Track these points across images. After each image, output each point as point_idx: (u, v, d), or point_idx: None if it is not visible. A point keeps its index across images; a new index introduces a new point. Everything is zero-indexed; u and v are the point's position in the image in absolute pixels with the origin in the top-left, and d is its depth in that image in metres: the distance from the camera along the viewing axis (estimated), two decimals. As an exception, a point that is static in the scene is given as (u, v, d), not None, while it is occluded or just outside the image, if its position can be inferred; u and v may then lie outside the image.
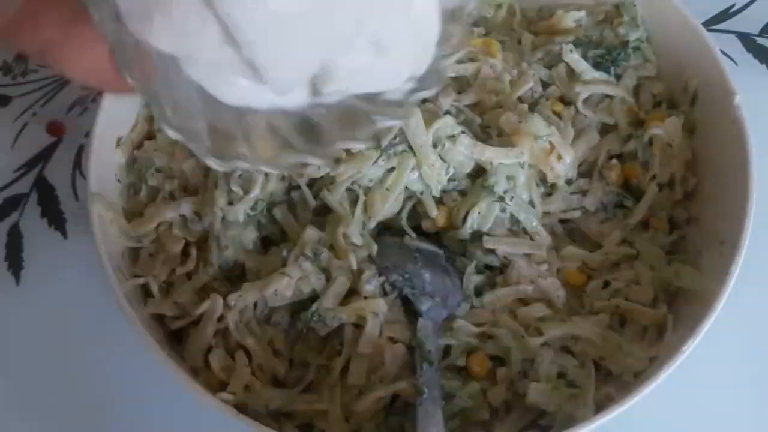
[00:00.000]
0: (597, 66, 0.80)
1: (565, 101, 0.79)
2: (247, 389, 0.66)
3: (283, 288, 0.68)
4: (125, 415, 0.76)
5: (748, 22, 0.97)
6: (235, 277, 0.72)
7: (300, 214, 0.74)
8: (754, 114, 0.72)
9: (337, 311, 0.68)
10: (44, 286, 0.83)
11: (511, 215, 0.72)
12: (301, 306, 0.70)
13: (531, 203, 0.73)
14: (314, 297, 0.69)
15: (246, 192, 0.71)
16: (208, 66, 0.38)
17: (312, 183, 0.73)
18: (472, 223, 0.72)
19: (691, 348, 0.62)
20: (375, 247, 0.70)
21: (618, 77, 0.80)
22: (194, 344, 0.69)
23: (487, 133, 0.75)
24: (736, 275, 0.65)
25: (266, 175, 0.73)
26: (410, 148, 0.70)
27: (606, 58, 0.80)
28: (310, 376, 0.69)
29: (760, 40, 0.95)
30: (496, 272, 0.73)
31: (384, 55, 0.38)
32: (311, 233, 0.70)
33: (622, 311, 0.70)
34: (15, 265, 0.84)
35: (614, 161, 0.76)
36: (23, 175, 0.90)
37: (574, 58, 0.78)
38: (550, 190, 0.76)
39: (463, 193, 0.74)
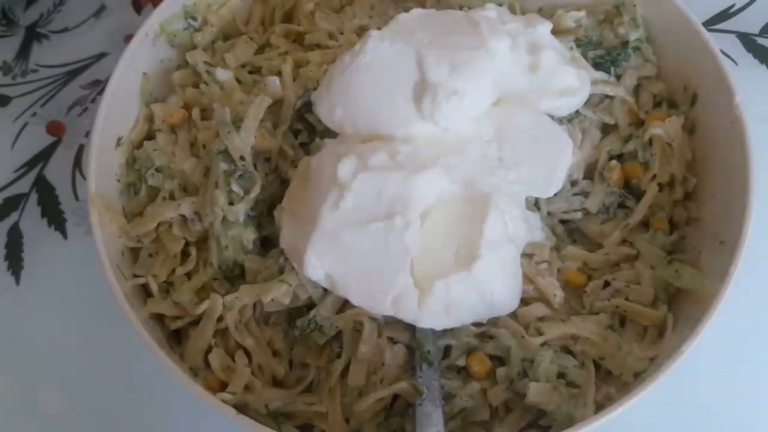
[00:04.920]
0: (597, 66, 0.80)
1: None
2: (247, 389, 0.66)
3: (280, 296, 0.68)
4: (125, 414, 0.76)
5: (748, 22, 0.97)
6: (234, 277, 0.72)
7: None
8: (754, 114, 0.72)
9: (334, 319, 0.68)
10: (44, 286, 0.83)
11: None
12: (297, 310, 0.70)
13: (536, 204, 0.74)
14: (311, 304, 0.69)
15: (246, 192, 0.71)
16: None
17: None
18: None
19: (691, 348, 0.62)
20: None
21: (618, 77, 0.80)
22: (194, 344, 0.69)
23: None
24: (736, 275, 0.65)
25: (266, 174, 0.73)
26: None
27: (606, 58, 0.80)
28: (309, 376, 0.69)
29: (760, 40, 0.95)
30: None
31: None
32: None
33: (622, 311, 0.70)
34: (15, 265, 0.84)
35: (614, 162, 0.76)
36: (23, 175, 0.90)
37: (574, 56, 0.78)
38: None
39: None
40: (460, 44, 0.71)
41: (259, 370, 0.69)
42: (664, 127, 0.75)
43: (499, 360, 0.68)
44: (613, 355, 0.67)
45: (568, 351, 0.68)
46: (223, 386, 0.66)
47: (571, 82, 0.74)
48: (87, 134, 0.90)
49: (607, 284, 0.71)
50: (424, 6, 0.85)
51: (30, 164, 0.90)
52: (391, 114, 0.70)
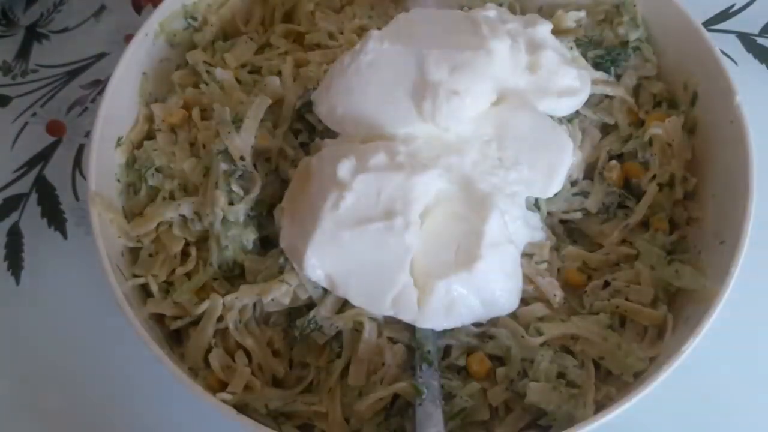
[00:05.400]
0: (597, 66, 0.80)
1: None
2: (246, 389, 0.66)
3: (281, 296, 0.68)
4: (125, 414, 0.76)
5: (748, 22, 0.97)
6: (234, 277, 0.72)
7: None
8: (754, 114, 0.72)
9: (333, 319, 0.68)
10: (44, 286, 0.83)
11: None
12: (297, 310, 0.70)
13: (536, 204, 0.74)
14: (311, 304, 0.69)
15: (246, 192, 0.71)
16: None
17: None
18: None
19: (691, 348, 0.62)
20: None
21: (618, 77, 0.80)
22: (194, 344, 0.69)
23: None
24: (736, 275, 0.65)
25: (266, 174, 0.73)
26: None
27: (606, 58, 0.80)
28: (309, 376, 0.69)
29: (760, 40, 0.95)
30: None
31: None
32: None
33: (622, 311, 0.69)
34: (15, 265, 0.84)
35: (614, 162, 0.76)
36: (23, 175, 0.90)
37: (574, 56, 0.78)
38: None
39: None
40: (460, 44, 0.71)
41: (259, 370, 0.69)
42: (664, 127, 0.75)
43: (499, 360, 0.68)
44: (613, 355, 0.67)
45: (568, 351, 0.68)
46: (223, 386, 0.66)
47: (571, 82, 0.74)
48: (87, 134, 0.90)
49: (607, 284, 0.71)
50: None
51: (30, 164, 0.90)
52: (392, 114, 0.70)
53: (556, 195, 0.73)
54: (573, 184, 0.76)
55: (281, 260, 0.69)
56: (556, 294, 0.70)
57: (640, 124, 0.79)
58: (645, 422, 0.72)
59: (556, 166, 0.71)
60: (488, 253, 0.65)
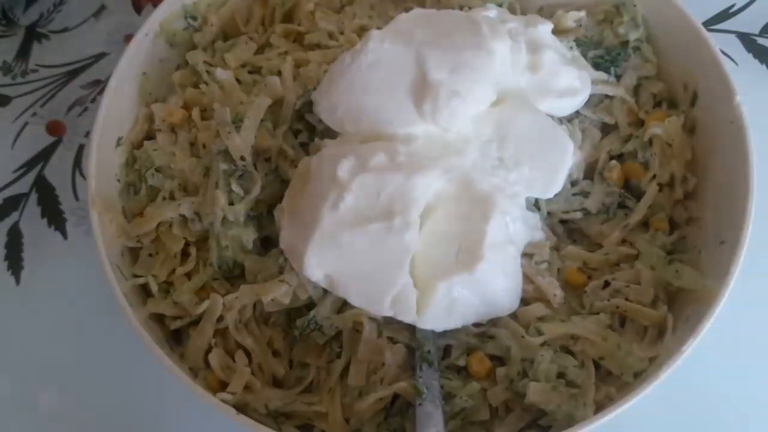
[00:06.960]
0: (597, 66, 0.80)
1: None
2: (246, 389, 0.66)
3: (281, 296, 0.68)
4: (125, 414, 0.76)
5: (748, 22, 0.97)
6: (234, 277, 0.72)
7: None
8: (754, 114, 0.72)
9: (333, 319, 0.68)
10: (44, 286, 0.83)
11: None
12: (297, 310, 0.70)
13: (536, 204, 0.74)
14: (311, 304, 0.69)
15: (246, 192, 0.71)
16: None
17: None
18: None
19: (691, 348, 0.62)
20: None
21: (618, 77, 0.80)
22: (194, 344, 0.69)
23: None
24: (736, 275, 0.65)
25: (266, 174, 0.73)
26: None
27: (606, 58, 0.80)
28: (309, 376, 0.69)
29: (760, 40, 0.95)
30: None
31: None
32: None
33: (622, 311, 0.70)
34: (15, 265, 0.84)
35: (614, 162, 0.76)
36: (23, 175, 0.90)
37: (574, 56, 0.78)
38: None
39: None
40: (460, 44, 0.71)
41: (259, 370, 0.69)
42: (664, 127, 0.75)
43: (499, 360, 0.68)
44: (613, 355, 0.67)
45: (568, 351, 0.68)
46: (223, 386, 0.66)
47: (571, 82, 0.75)
48: (87, 134, 0.90)
49: (607, 284, 0.71)
50: (424, 6, 0.85)
51: (30, 164, 0.90)
52: (392, 114, 0.70)
53: (556, 195, 0.73)
54: (573, 184, 0.76)
55: (281, 260, 0.69)
56: (556, 294, 0.70)
57: (640, 124, 0.79)
58: (645, 422, 0.72)
59: (556, 166, 0.71)
60: (489, 254, 0.65)
